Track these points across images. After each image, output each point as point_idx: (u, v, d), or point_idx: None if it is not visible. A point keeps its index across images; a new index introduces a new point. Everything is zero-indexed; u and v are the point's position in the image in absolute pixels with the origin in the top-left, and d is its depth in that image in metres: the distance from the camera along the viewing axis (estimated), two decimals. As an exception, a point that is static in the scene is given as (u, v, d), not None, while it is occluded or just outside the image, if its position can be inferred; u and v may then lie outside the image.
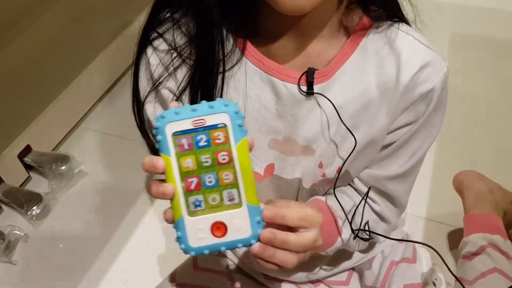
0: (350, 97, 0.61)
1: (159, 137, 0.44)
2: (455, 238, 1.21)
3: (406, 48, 0.59)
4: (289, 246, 0.49)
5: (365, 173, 0.68)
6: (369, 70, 0.60)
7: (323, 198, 0.68)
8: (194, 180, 0.45)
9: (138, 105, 0.65)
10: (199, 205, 0.45)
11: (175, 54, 0.60)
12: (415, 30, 0.61)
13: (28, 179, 1.43)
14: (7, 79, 1.51)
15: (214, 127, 0.44)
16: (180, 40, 0.60)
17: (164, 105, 0.64)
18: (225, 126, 0.44)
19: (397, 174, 0.67)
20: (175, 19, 0.60)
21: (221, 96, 0.61)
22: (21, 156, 1.38)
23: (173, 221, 0.46)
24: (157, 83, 0.62)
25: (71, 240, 1.30)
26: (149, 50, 0.62)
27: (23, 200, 1.32)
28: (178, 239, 0.46)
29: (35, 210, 1.31)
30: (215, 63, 0.59)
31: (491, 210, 1.10)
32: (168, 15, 0.61)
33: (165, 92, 0.63)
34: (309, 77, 0.59)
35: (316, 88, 0.59)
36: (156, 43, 0.61)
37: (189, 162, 0.44)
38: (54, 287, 1.21)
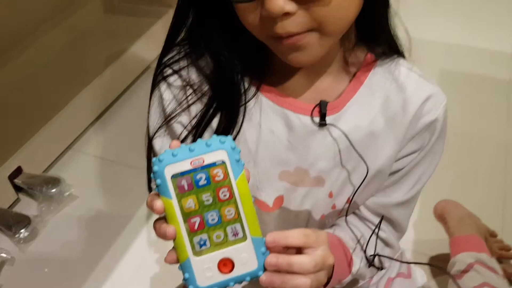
0: (359, 128, 0.63)
1: (158, 181, 0.44)
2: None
3: (410, 82, 0.63)
4: (296, 268, 0.48)
5: (371, 201, 0.70)
6: (376, 103, 0.64)
7: (331, 231, 0.70)
8: (197, 219, 0.45)
9: (149, 140, 0.67)
10: (204, 244, 0.45)
11: (189, 91, 0.63)
12: (415, 65, 0.66)
13: (17, 200, 1.43)
14: (1, 100, 1.53)
15: (212, 165, 0.44)
16: (195, 77, 0.63)
17: (174, 138, 0.66)
18: (223, 163, 0.44)
19: (402, 201, 0.69)
20: (192, 58, 0.63)
21: (234, 131, 0.62)
22: (12, 177, 1.38)
23: (178, 262, 0.46)
24: (169, 118, 0.64)
25: (58, 264, 1.29)
26: (163, 86, 0.64)
27: (11, 222, 1.31)
28: (186, 280, 0.46)
29: (23, 233, 1.30)
30: (232, 102, 0.61)
31: (473, 232, 1.16)
32: (182, 54, 0.63)
33: (177, 127, 0.64)
34: (322, 109, 0.61)
35: (327, 120, 0.62)
36: (171, 79, 0.64)
37: (190, 202, 0.44)
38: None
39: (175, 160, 0.43)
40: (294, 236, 0.49)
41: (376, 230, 0.69)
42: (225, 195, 0.45)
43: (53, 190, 1.39)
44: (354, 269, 0.67)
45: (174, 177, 0.44)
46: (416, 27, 1.94)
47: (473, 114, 1.75)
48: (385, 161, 0.65)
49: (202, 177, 0.44)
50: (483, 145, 1.63)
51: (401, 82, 0.63)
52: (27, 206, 1.42)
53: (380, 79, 0.64)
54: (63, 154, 1.58)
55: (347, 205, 0.68)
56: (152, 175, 0.44)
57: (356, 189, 0.66)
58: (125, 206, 1.42)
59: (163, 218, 0.46)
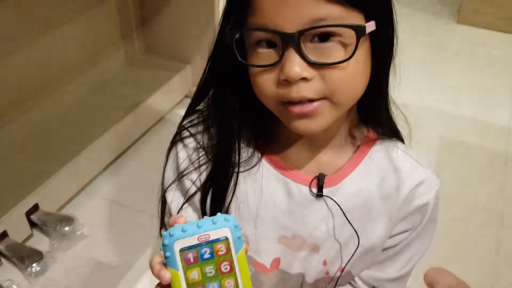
0: (355, 203, 0.66)
1: (167, 254, 0.47)
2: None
3: (405, 165, 0.67)
4: None
5: (365, 274, 0.73)
6: (372, 180, 0.67)
7: None
8: None
9: (163, 192, 0.72)
10: None
11: (202, 153, 0.68)
12: (411, 149, 0.70)
13: (30, 235, 1.48)
14: (25, 141, 1.62)
15: (217, 240, 0.47)
16: (207, 141, 0.68)
17: (184, 193, 0.70)
18: (226, 239, 0.47)
19: (395, 277, 0.72)
20: (207, 125, 0.68)
21: (233, 194, 0.67)
22: (28, 213, 1.44)
23: None
24: (181, 175, 0.69)
25: None
26: (180, 146, 0.69)
27: (24, 255, 1.36)
28: None
29: (35, 267, 1.35)
30: (230, 166, 0.65)
31: None
32: (200, 119, 0.69)
33: (188, 183, 0.69)
34: (320, 181, 0.65)
35: (325, 192, 0.65)
36: (187, 141, 0.69)
37: (194, 274, 0.47)
38: None
39: (184, 235, 0.46)
40: None
41: None
42: (226, 268, 0.48)
43: (66, 228, 1.45)
44: None
45: (182, 250, 0.47)
46: (416, 94, 2.13)
47: (468, 182, 1.80)
48: (378, 237, 0.68)
49: (206, 251, 0.47)
50: (477, 213, 1.68)
51: (397, 164, 0.67)
52: (39, 242, 1.47)
53: (379, 158, 0.67)
54: (78, 194, 1.64)
55: (339, 273, 0.70)
56: (162, 247, 0.47)
57: (347, 261, 0.68)
58: (131, 249, 1.47)
59: (165, 286, 0.48)
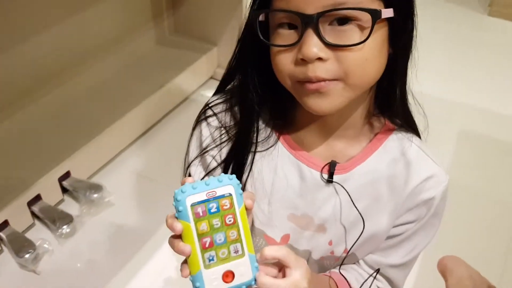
0: (363, 190, 0.68)
1: (180, 208, 0.51)
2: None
3: (417, 159, 0.68)
4: (284, 285, 0.55)
5: (369, 258, 0.75)
6: (383, 171, 0.68)
7: (336, 270, 0.75)
8: (208, 239, 0.52)
9: (187, 167, 0.76)
10: (212, 259, 0.53)
11: (223, 131, 0.72)
12: (425, 144, 0.71)
13: (61, 200, 1.59)
14: (61, 112, 1.72)
15: (222, 196, 0.53)
16: (229, 120, 0.72)
17: (205, 168, 0.74)
18: (230, 195, 0.53)
19: (398, 264, 0.74)
20: (230, 105, 0.72)
21: (250, 171, 0.70)
22: (61, 179, 1.54)
23: (190, 274, 0.53)
24: (204, 151, 0.73)
25: (89, 262, 1.43)
26: (203, 124, 0.73)
27: (56, 217, 1.47)
28: None
29: (65, 229, 1.46)
30: (248, 145, 0.69)
31: None
32: (223, 99, 0.73)
33: (209, 159, 0.73)
34: (331, 168, 0.67)
35: (335, 178, 0.68)
36: (210, 119, 0.73)
37: (203, 225, 0.52)
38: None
39: (195, 192, 0.52)
40: (278, 251, 0.56)
41: (371, 279, 0.74)
42: (230, 220, 0.53)
43: (95, 196, 1.54)
44: None
45: (192, 205, 0.52)
46: (438, 86, 2.16)
47: (487, 176, 1.83)
48: (383, 225, 0.70)
49: (213, 206, 0.52)
50: (493, 206, 1.71)
51: (409, 157, 0.68)
52: (70, 206, 1.57)
53: (392, 149, 0.68)
54: (107, 164, 1.73)
55: (344, 254, 0.73)
56: (174, 203, 0.52)
57: (351, 245, 0.71)
58: (153, 218, 1.55)
59: (178, 236, 0.53)
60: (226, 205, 0.53)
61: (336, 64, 0.56)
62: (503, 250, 1.56)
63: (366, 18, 0.54)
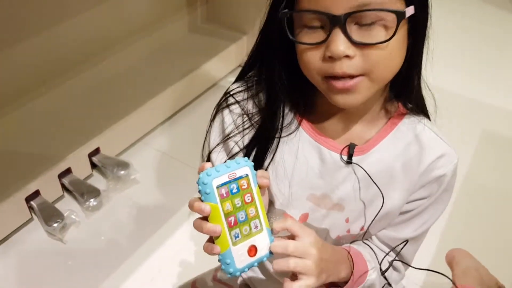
0: (380, 170, 0.72)
1: (208, 190, 0.54)
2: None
3: (429, 139, 0.72)
4: (292, 250, 0.59)
5: (382, 234, 0.79)
6: (397, 151, 0.72)
7: (354, 245, 0.77)
8: (232, 218, 0.56)
9: (208, 153, 0.78)
10: (238, 236, 0.56)
11: (246, 118, 0.75)
12: (436, 126, 0.75)
13: (90, 175, 1.65)
14: (94, 91, 1.79)
15: (240, 177, 0.56)
16: (251, 108, 0.75)
17: (228, 153, 0.76)
18: (247, 175, 0.57)
19: (409, 237, 0.77)
20: (252, 92, 0.75)
21: (272, 158, 0.74)
22: (91, 155, 1.61)
23: (220, 252, 0.56)
24: (227, 137, 0.76)
25: (112, 235, 1.49)
26: (226, 111, 0.75)
27: (84, 191, 1.53)
28: (228, 265, 0.56)
29: (92, 202, 1.52)
30: (274, 131, 0.72)
31: (476, 284, 1.24)
32: (245, 87, 0.75)
33: (231, 144, 0.76)
34: (350, 150, 0.71)
35: (354, 159, 0.71)
36: (233, 107, 0.75)
37: (228, 205, 0.55)
38: (90, 272, 1.39)
39: (219, 174, 0.55)
40: (285, 222, 0.60)
41: (384, 254, 0.78)
42: (248, 199, 0.57)
43: (122, 172, 1.60)
44: (370, 278, 0.75)
45: (217, 187, 0.55)
46: (464, 85, 2.15)
47: (506, 177, 1.83)
48: (396, 202, 0.74)
49: (234, 186, 0.56)
50: (510, 207, 1.71)
51: (421, 138, 0.72)
52: (98, 181, 1.63)
53: (405, 131, 0.72)
54: (135, 143, 1.79)
55: (360, 232, 0.77)
56: (201, 186, 0.54)
57: (369, 222, 0.75)
58: (176, 197, 1.60)
59: (204, 218, 0.56)
60: (244, 185, 0.57)
61: (362, 61, 0.59)
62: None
63: (391, 17, 0.58)
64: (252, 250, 0.58)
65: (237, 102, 0.75)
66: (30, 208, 1.48)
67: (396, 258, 0.79)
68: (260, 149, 0.74)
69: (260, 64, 0.73)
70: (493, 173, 1.84)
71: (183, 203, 1.59)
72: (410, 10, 0.59)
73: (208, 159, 0.78)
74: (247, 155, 0.74)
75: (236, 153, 0.75)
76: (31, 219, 1.50)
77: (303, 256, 0.60)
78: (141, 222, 1.55)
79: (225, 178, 0.55)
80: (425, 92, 0.74)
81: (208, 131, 0.79)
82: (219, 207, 0.55)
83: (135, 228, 1.53)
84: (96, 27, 1.79)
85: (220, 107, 0.77)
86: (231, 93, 0.76)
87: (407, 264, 0.81)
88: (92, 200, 1.52)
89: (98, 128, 1.65)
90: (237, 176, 0.56)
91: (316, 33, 0.60)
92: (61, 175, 1.54)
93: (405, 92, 0.70)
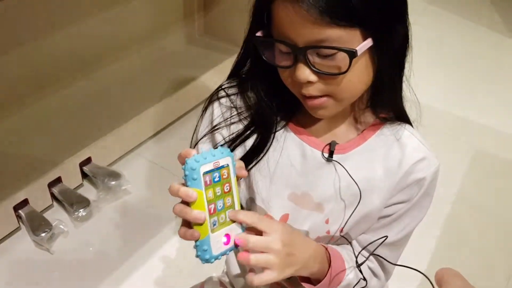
0: (360, 171, 0.73)
1: (194, 176, 0.54)
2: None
3: (410, 143, 0.74)
4: (251, 246, 0.60)
5: (362, 238, 0.79)
6: (379, 154, 0.74)
7: (334, 246, 0.78)
8: (212, 206, 0.57)
9: (196, 143, 0.81)
10: (215, 224, 0.58)
11: (234, 112, 0.77)
12: (418, 132, 0.77)
13: (81, 185, 1.64)
14: (87, 101, 1.78)
15: (222, 167, 0.57)
16: (240, 103, 0.77)
17: (214, 146, 0.79)
18: (228, 165, 0.58)
19: (388, 243, 0.76)
20: (242, 89, 0.77)
21: (262, 151, 0.75)
22: (82, 164, 1.60)
23: (199, 239, 0.57)
24: (214, 129, 0.78)
25: (102, 246, 1.48)
26: (216, 104, 0.78)
27: (74, 201, 1.52)
28: (205, 252, 0.57)
29: (82, 212, 1.51)
30: (268, 129, 0.75)
31: None
32: (236, 83, 0.78)
33: (218, 137, 0.78)
34: (331, 147, 0.74)
35: (335, 157, 0.74)
36: (223, 100, 0.78)
37: (210, 193, 0.56)
38: (77, 283, 1.38)
39: (206, 161, 0.56)
40: (248, 215, 0.61)
41: (362, 258, 0.77)
42: (227, 189, 0.58)
43: (113, 183, 1.59)
44: (347, 277, 0.76)
45: (204, 174, 0.55)
46: (456, 104, 2.15)
47: (497, 196, 1.84)
48: (376, 204, 0.75)
49: (216, 175, 0.57)
50: (500, 226, 1.71)
51: (402, 142, 0.74)
52: (88, 191, 1.62)
53: (387, 135, 0.75)
54: (127, 154, 1.78)
55: (340, 234, 0.77)
56: (188, 172, 0.55)
57: (351, 221, 0.75)
58: (167, 210, 1.54)
59: (184, 203, 0.57)
60: (225, 175, 0.58)
61: (324, 85, 0.65)
62: (508, 269, 1.56)
63: (344, 54, 0.61)
64: (227, 239, 0.59)
65: (228, 96, 0.78)
66: (18, 217, 1.46)
67: (375, 253, 0.78)
68: (254, 146, 0.76)
69: (247, 69, 0.77)
70: (483, 192, 1.84)
71: (174, 215, 1.57)
72: (366, 44, 0.62)
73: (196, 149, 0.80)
74: (233, 150, 0.76)
75: (222, 146, 0.77)
76: (18, 228, 1.48)
77: (265, 250, 0.61)
78: (130, 233, 1.53)
79: (210, 166, 0.56)
80: (408, 103, 0.76)
81: (198, 121, 0.81)
82: (203, 194, 0.56)
83: (125, 240, 1.51)
84: (91, 37, 1.79)
85: (211, 99, 0.80)
86: (223, 87, 0.79)
87: (389, 262, 0.80)
88: (81, 210, 1.51)
89: (90, 137, 1.64)
90: (220, 165, 0.57)
91: (287, 57, 0.65)
92: (51, 184, 1.52)
93: (384, 103, 0.73)
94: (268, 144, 0.76)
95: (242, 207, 0.64)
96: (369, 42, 0.62)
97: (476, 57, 2.68)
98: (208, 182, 0.56)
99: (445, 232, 1.63)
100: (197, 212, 0.56)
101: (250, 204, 0.80)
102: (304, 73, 0.63)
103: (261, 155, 0.76)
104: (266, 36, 0.67)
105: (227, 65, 2.10)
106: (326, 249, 0.74)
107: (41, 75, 1.66)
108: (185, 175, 0.55)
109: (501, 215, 1.76)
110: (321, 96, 0.66)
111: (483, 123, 2.19)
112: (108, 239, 1.50)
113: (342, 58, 0.62)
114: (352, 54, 0.61)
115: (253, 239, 0.61)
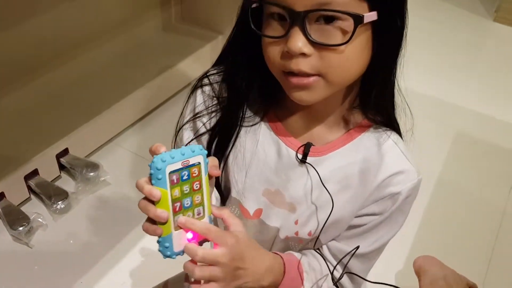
0: (334, 176, 0.71)
1: (160, 176, 0.54)
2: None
3: (390, 154, 0.70)
4: (199, 259, 0.58)
5: (333, 245, 0.76)
6: (356, 160, 0.71)
7: (296, 254, 0.76)
8: (178, 204, 0.56)
9: (178, 129, 0.80)
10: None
11: (215, 101, 0.75)
12: (403, 142, 0.72)
13: (58, 177, 1.61)
14: (63, 91, 1.74)
15: (193, 165, 0.56)
16: (222, 92, 0.75)
17: (195, 133, 0.77)
18: (199, 164, 0.57)
19: (359, 254, 0.74)
20: (225, 77, 0.75)
21: (233, 145, 0.74)
22: (59, 156, 1.57)
23: (161, 236, 0.57)
24: (195, 116, 0.77)
25: (82, 239, 1.46)
26: (199, 91, 0.76)
27: (51, 193, 1.49)
28: (166, 248, 0.58)
29: (60, 204, 1.48)
30: (234, 121, 0.73)
31: None
32: (220, 70, 0.75)
33: (199, 124, 0.76)
34: (306, 149, 0.71)
35: (309, 160, 0.71)
36: (206, 88, 0.76)
37: (176, 192, 0.56)
38: (58, 276, 1.36)
39: (173, 161, 0.55)
40: (197, 225, 0.58)
41: (331, 268, 0.75)
42: (197, 186, 0.57)
43: (91, 174, 1.57)
44: None
45: (170, 173, 0.55)
46: (439, 88, 2.17)
47: (478, 178, 1.86)
48: (346, 212, 0.72)
49: (185, 173, 0.56)
50: (480, 208, 1.74)
51: (383, 151, 0.70)
52: (66, 183, 1.59)
53: (368, 141, 0.71)
54: (105, 144, 1.76)
55: (308, 237, 0.75)
56: (153, 171, 0.54)
57: (316, 227, 0.73)
58: None
59: (149, 200, 0.55)
60: (195, 173, 0.57)
61: (318, 61, 0.59)
62: (488, 249, 1.59)
63: (349, 21, 0.57)
64: (193, 234, 0.59)
65: (210, 83, 0.76)
66: (-6, 211, 1.43)
67: (346, 268, 0.76)
68: (223, 134, 0.75)
69: (232, 55, 0.73)
70: (465, 174, 1.86)
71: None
72: (372, 16, 0.58)
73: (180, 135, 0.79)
74: (211, 137, 0.76)
75: (202, 134, 0.76)
76: (-5, 223, 1.45)
77: (213, 264, 0.59)
78: (111, 225, 1.52)
79: (178, 165, 0.55)
80: (399, 104, 0.72)
81: (184, 107, 0.80)
82: (168, 193, 0.55)
83: (105, 231, 1.49)
84: (66, 25, 1.74)
85: (196, 86, 0.78)
86: (208, 74, 0.77)
87: (360, 277, 0.78)
88: (59, 202, 1.49)
89: (67, 128, 1.61)
90: (190, 163, 0.56)
91: (278, 27, 0.61)
92: (27, 177, 1.49)
93: (372, 103, 0.69)
94: (233, 139, 0.74)
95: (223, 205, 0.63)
96: (373, 15, 0.58)
97: (458, 40, 2.70)
98: (175, 181, 0.55)
99: (426, 215, 1.64)
100: (160, 211, 0.55)
101: (226, 195, 0.79)
102: (298, 43, 0.57)
103: (227, 150, 0.74)
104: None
105: (205, 51, 2.09)
106: (283, 260, 0.72)
107: (14, 65, 1.62)
108: (150, 174, 0.55)
109: (483, 197, 1.78)
110: (311, 76, 0.60)
111: (464, 105, 2.21)
112: (88, 231, 1.48)
113: (345, 26, 0.57)
114: (358, 19, 0.57)
115: (201, 251, 0.58)
